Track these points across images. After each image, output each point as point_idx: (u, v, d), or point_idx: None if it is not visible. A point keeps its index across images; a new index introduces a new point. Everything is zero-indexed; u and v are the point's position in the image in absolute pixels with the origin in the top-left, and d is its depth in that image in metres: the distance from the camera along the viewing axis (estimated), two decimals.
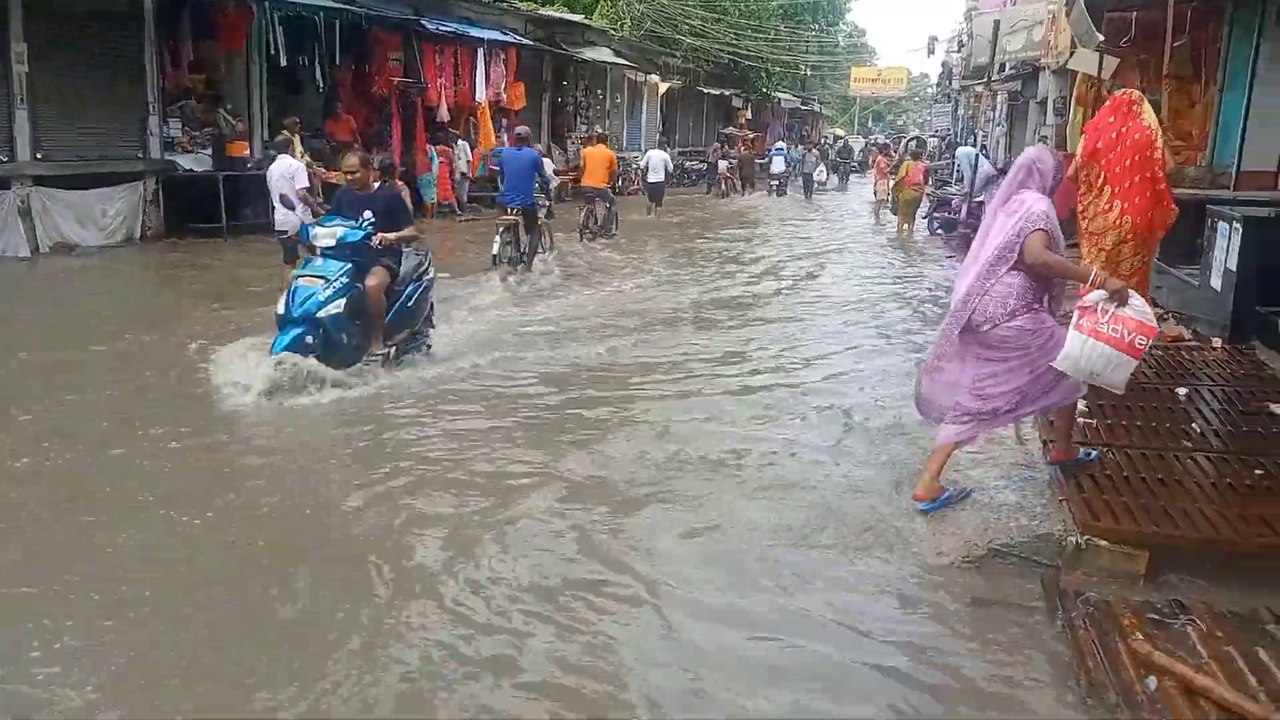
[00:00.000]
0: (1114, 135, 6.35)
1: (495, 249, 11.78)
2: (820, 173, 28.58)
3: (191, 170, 14.04)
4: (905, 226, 18.58)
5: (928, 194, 20.25)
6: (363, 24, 16.22)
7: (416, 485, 4.95)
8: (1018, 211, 4.42)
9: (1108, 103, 6.72)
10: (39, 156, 12.06)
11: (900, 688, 3.32)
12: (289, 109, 15.95)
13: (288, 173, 9.60)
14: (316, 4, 14.94)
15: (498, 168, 14.13)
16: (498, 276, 11.31)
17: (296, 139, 15.32)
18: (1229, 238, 7.31)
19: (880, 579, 4.07)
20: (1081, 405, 5.70)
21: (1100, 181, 6.38)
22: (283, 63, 14.91)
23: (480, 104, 19.81)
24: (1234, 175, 10.87)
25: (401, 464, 5.24)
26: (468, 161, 19.32)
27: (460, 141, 19.25)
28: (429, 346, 7.81)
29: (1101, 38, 12.43)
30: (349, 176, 7.32)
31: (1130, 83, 14.40)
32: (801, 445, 5.77)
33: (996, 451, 5.26)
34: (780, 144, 31.73)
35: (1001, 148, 28.39)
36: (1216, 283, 7.57)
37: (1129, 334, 4.21)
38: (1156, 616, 3.52)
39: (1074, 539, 4.04)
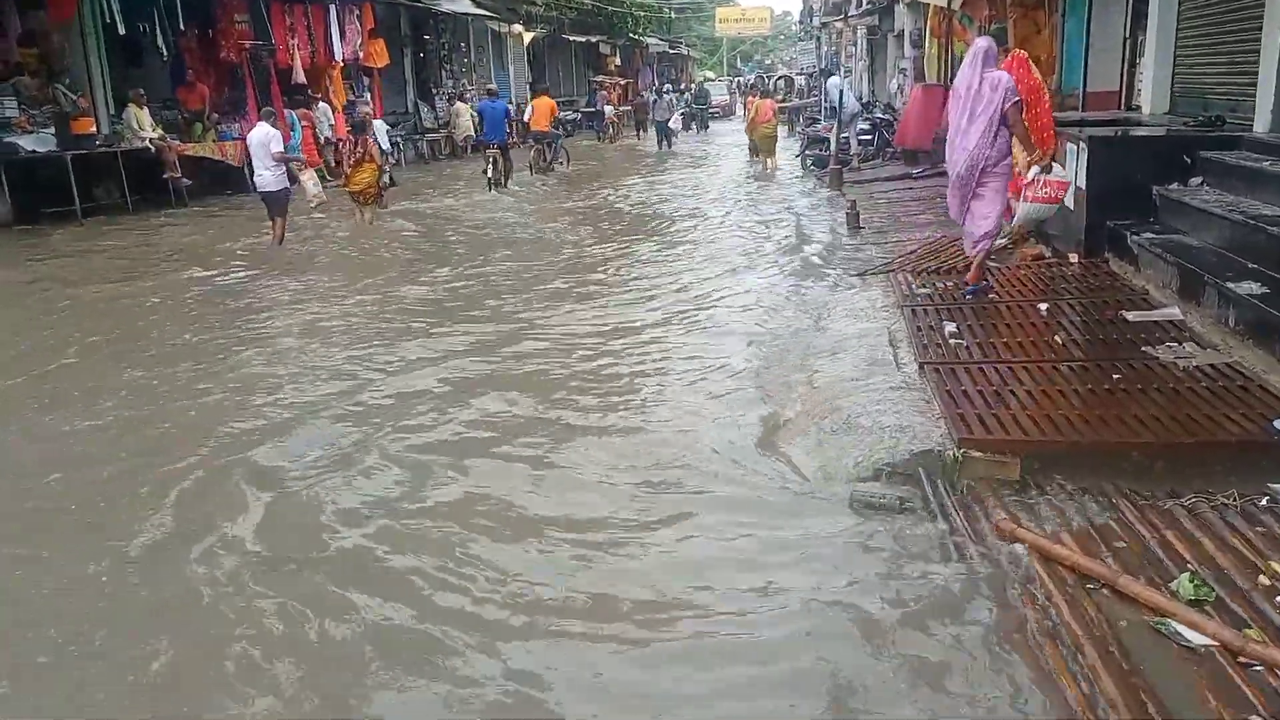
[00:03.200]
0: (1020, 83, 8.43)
1: (488, 173, 16.36)
2: (676, 121, 28.06)
3: (34, 151, 13.17)
4: (768, 161, 18.92)
5: (798, 132, 20.58)
6: None
7: None
8: (998, 86, 6.44)
9: (1011, 59, 8.38)
10: None
11: (798, 577, 3.59)
12: (132, 80, 15.13)
13: (265, 140, 11.02)
14: None
15: (479, 116, 18.85)
16: (491, 189, 16.11)
17: (144, 110, 14.65)
18: (1078, 158, 7.70)
19: (776, 502, 4.27)
20: (951, 327, 6.02)
21: None
22: (121, 31, 14.05)
23: (338, 63, 19.13)
24: (1081, 97, 11.40)
25: None
26: (331, 125, 18.62)
27: (321, 104, 18.57)
28: None
29: None
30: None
31: (979, 13, 14.96)
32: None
33: (877, 378, 5.48)
34: (668, 85, 34.40)
35: (864, 81, 29.03)
36: (1069, 201, 7.97)
37: (1055, 192, 7.21)
38: (1016, 497, 3.93)
39: (951, 452, 4.26)
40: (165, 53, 15.23)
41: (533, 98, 21.42)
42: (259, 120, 11.69)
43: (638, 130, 29.27)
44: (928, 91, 15.98)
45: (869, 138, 18.74)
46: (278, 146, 11.13)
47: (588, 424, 5.37)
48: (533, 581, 3.67)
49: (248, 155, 12.21)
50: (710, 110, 35.89)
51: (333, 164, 18.44)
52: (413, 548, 3.97)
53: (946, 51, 15.36)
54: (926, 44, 17.70)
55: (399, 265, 10.45)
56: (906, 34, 20.84)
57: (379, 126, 15.46)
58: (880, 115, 19.60)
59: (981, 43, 6.76)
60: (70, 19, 13.87)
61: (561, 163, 19.95)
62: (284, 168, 11.18)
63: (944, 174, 12.90)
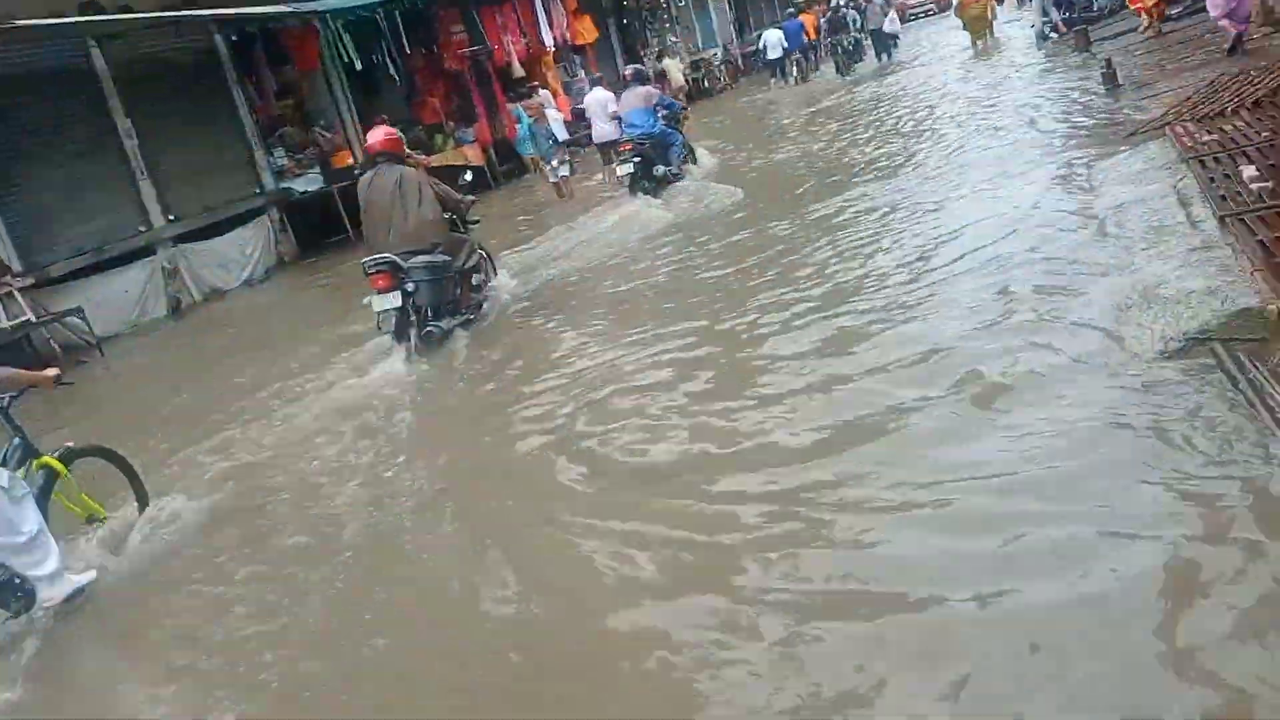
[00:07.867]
0: None
1: (791, 72, 23.54)
2: (892, 22, 23.69)
3: (306, 191, 14.56)
4: (979, 42, 19.26)
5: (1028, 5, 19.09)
6: (418, 5, 16.31)
7: None
8: None
9: None
10: (171, 219, 12.64)
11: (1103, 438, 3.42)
12: (373, 108, 16.33)
13: (604, 101, 13.56)
14: (374, 1, 15.13)
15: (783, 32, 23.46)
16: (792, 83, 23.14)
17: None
18: None
19: (1080, 373, 4.00)
20: (1251, 170, 5.36)
21: None
22: (358, 67, 15.22)
23: (550, 49, 19.67)
24: None
25: None
26: (556, 109, 19.06)
27: (542, 91, 19.14)
28: None
29: None
30: None
31: None
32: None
33: (1169, 242, 4.95)
34: None
35: None
36: None
37: None
38: None
39: (1274, 307, 3.77)
40: (398, 79, 16.35)
41: (798, 14, 24.96)
42: (593, 88, 14.76)
43: (835, 60, 24.02)
44: None
45: None
46: (613, 107, 13.20)
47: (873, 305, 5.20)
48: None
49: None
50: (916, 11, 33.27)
51: None
52: None
53: None
54: None
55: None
56: None
57: (554, 116, 15.26)
58: None
59: None
60: (315, 67, 15.21)
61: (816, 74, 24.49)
62: (616, 122, 13.16)
63: (1204, 9, 11.54)
